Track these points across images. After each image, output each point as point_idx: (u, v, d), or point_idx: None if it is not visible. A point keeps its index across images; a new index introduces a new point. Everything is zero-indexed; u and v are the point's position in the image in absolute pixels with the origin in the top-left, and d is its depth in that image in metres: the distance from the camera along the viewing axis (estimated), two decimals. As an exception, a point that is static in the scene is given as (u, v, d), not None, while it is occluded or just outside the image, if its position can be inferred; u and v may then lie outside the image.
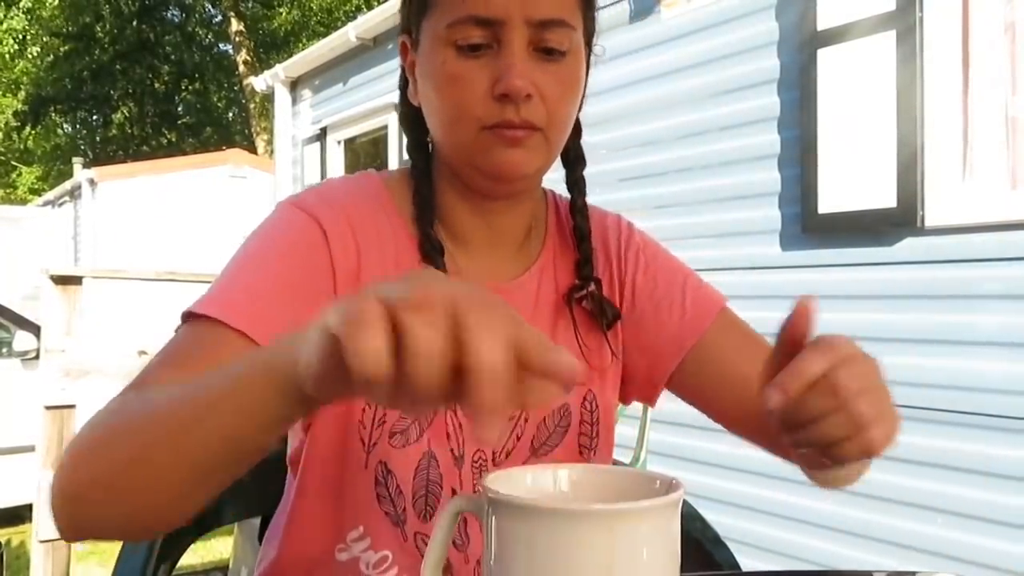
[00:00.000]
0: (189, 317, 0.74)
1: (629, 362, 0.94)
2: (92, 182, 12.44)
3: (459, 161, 0.83)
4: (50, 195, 15.23)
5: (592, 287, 0.91)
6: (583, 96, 0.85)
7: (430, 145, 0.89)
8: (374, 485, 0.82)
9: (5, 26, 21.39)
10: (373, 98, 5.82)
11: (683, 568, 0.54)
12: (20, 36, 21.81)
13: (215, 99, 25.66)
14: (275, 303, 0.75)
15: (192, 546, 0.86)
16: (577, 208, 0.93)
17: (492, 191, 0.86)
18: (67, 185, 13.71)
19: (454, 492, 0.84)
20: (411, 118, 0.89)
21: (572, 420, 0.89)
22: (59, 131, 25.13)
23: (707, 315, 0.91)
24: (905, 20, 2.78)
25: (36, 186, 23.58)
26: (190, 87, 25.18)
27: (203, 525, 0.99)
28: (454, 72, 0.78)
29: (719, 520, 0.99)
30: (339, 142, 6.46)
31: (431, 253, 0.84)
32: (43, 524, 1.97)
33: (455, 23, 0.77)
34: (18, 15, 21.54)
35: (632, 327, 0.94)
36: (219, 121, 25.70)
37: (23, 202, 20.72)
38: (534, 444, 0.88)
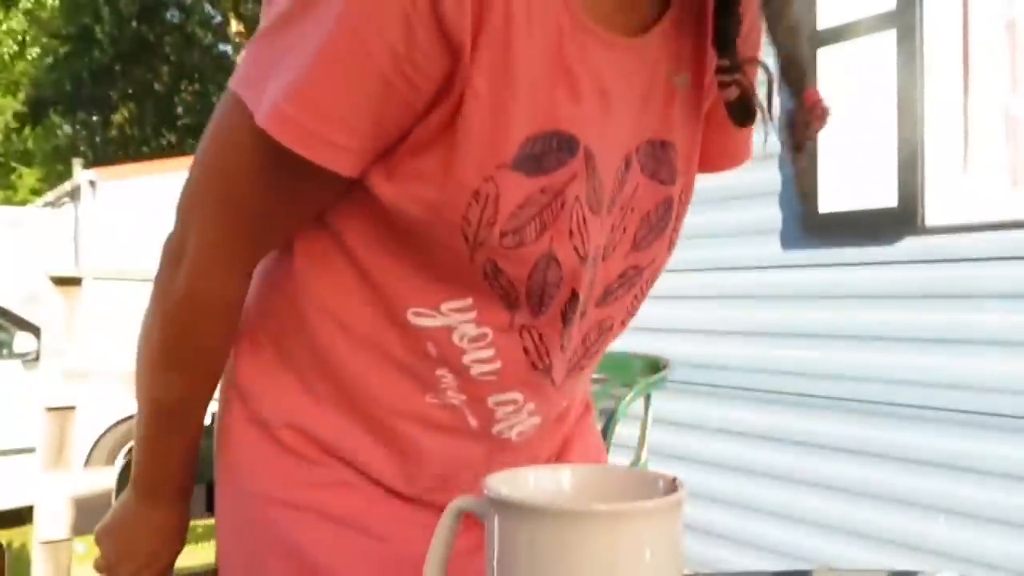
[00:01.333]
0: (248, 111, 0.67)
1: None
2: (92, 183, 12.45)
3: None
4: (50, 196, 15.23)
5: (740, 78, 0.73)
6: None
7: None
8: (483, 276, 0.72)
9: (4, 27, 21.39)
10: (373, 98, 5.81)
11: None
12: (19, 38, 21.81)
13: (215, 100, 25.57)
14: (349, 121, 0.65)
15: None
16: None
17: None
18: (67, 186, 13.71)
19: (573, 294, 0.74)
20: None
21: (672, 212, 0.80)
22: (59, 132, 25.14)
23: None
24: (905, 19, 2.78)
25: (36, 187, 23.59)
26: (190, 88, 25.17)
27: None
28: None
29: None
30: (339, 143, 6.45)
31: None
32: (44, 525, 1.96)
33: None
34: (17, 16, 21.54)
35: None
36: (219, 122, 25.65)
37: (23, 203, 20.72)
38: (636, 238, 0.78)
